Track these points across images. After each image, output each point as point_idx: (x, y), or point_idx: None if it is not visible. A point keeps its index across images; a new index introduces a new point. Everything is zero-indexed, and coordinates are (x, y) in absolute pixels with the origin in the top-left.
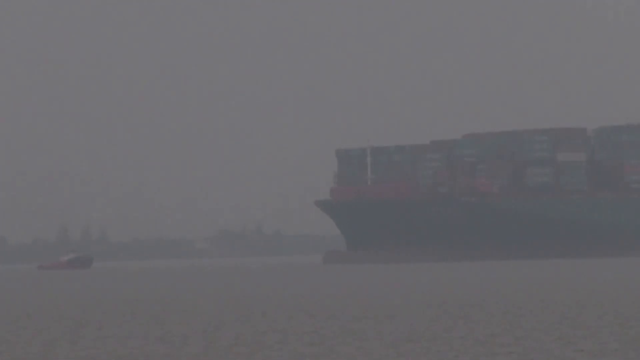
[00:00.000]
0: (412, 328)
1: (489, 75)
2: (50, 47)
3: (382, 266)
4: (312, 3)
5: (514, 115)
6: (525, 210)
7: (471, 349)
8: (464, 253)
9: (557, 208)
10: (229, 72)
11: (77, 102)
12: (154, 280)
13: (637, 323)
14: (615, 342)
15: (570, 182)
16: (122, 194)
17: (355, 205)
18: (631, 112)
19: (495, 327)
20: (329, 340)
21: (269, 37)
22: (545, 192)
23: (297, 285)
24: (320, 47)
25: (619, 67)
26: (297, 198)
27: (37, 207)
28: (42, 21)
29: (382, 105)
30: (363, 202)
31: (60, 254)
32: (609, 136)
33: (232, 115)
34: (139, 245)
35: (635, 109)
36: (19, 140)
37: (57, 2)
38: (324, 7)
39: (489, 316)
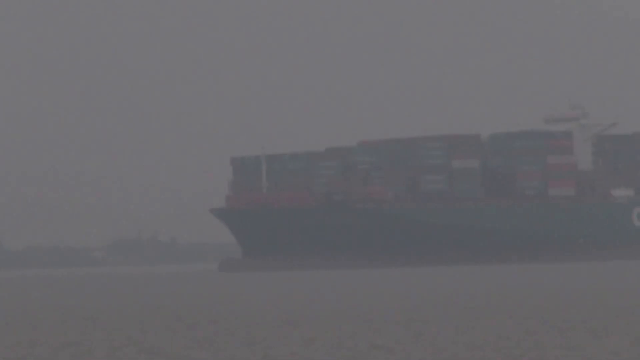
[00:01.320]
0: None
1: (383, 82)
2: None
3: (278, 274)
4: (209, 10)
5: (408, 122)
6: (419, 217)
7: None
8: (359, 260)
9: (450, 215)
10: (128, 75)
11: None
12: (50, 290)
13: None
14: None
15: (464, 189)
16: (16, 200)
17: (250, 213)
18: (524, 119)
19: (399, 335)
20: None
21: (163, 42)
22: (439, 199)
23: (191, 293)
24: (214, 54)
25: (512, 74)
26: (193, 206)
27: None
28: None
29: (276, 112)
30: (258, 210)
31: None
32: (503, 143)
33: (127, 122)
34: (33, 253)
35: (528, 116)
36: None
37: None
38: (221, 12)
39: (389, 324)
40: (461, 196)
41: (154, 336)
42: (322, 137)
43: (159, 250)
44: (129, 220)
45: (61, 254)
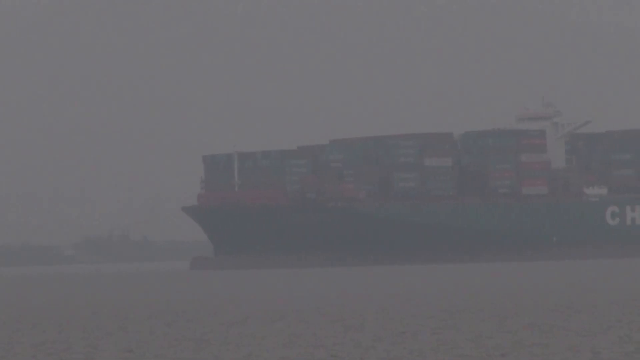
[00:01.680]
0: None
1: (356, 80)
2: None
3: (250, 272)
4: (183, 10)
5: (381, 120)
6: (392, 215)
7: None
8: (331, 259)
9: (423, 213)
10: (101, 74)
11: None
12: (21, 288)
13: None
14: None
15: (436, 187)
16: None
17: (222, 211)
18: (497, 118)
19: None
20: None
21: (136, 41)
22: (412, 197)
23: (164, 292)
24: (187, 53)
25: (485, 73)
26: (165, 204)
27: None
28: None
29: (248, 111)
30: (230, 208)
31: None
32: (476, 141)
33: (98, 119)
34: (4, 252)
35: (502, 114)
36: None
37: None
38: (195, 12)
39: (367, 322)
40: (434, 194)
41: (132, 334)
42: (294, 135)
43: (130, 248)
44: (100, 218)
45: (31, 252)
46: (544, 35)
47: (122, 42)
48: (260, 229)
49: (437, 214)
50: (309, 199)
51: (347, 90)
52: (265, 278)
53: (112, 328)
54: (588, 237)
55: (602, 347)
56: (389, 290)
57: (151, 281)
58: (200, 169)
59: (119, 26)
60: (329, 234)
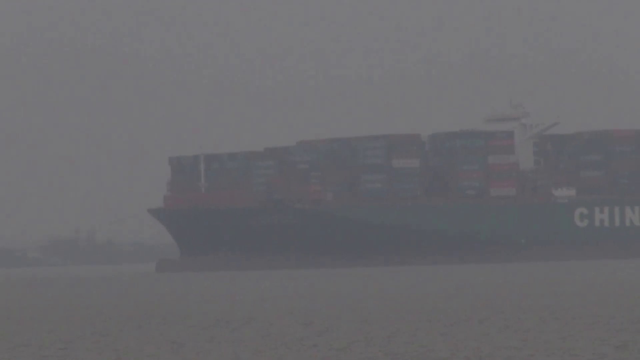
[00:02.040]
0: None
1: (323, 81)
2: None
3: (216, 274)
4: (147, 9)
5: (348, 122)
6: (358, 217)
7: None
8: (299, 261)
9: (390, 214)
10: (67, 75)
11: None
12: None
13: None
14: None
15: (404, 189)
16: None
17: (188, 213)
18: (465, 119)
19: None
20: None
21: (100, 41)
22: (379, 199)
23: (132, 294)
24: (152, 53)
25: (453, 73)
26: (131, 206)
27: None
28: None
29: (214, 112)
30: (196, 210)
31: None
32: (443, 142)
33: (64, 121)
34: None
35: (470, 116)
36: None
37: None
38: (158, 12)
39: (339, 324)
40: (401, 196)
41: (104, 338)
42: (261, 136)
43: (95, 250)
44: (65, 220)
45: None
46: (512, 36)
47: (88, 43)
48: (226, 230)
49: (404, 216)
50: (276, 201)
51: (313, 91)
52: (232, 280)
53: (83, 331)
54: (557, 239)
55: (578, 349)
56: (359, 292)
57: (118, 283)
58: (166, 170)
59: (83, 26)
60: (296, 235)
